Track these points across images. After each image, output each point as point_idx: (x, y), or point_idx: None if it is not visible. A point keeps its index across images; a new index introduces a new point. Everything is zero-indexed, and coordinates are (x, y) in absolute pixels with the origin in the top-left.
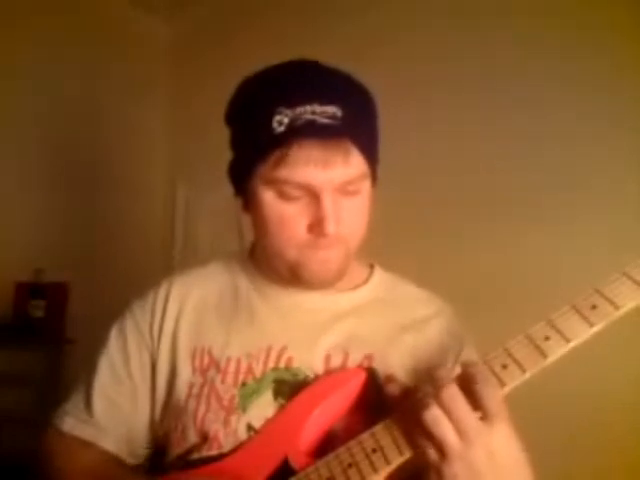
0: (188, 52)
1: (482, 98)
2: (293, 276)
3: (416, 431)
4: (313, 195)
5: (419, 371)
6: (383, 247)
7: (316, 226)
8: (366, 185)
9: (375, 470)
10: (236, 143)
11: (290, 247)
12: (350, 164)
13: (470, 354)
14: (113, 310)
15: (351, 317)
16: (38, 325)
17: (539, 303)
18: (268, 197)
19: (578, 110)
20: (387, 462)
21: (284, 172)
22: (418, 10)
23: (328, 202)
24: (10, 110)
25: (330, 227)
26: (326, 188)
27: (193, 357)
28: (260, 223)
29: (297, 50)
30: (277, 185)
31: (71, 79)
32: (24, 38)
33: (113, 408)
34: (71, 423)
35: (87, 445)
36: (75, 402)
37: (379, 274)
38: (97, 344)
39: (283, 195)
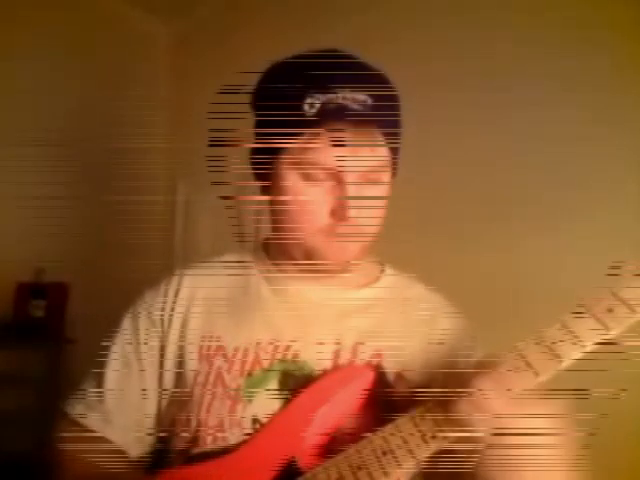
0: (188, 52)
1: (482, 97)
2: (306, 260)
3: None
4: (337, 180)
5: (428, 371)
6: (384, 246)
7: (338, 210)
8: (387, 176)
9: (386, 474)
10: (262, 125)
11: (309, 231)
12: (376, 152)
13: (477, 345)
14: (113, 310)
15: (361, 314)
16: (38, 325)
17: (539, 303)
18: (292, 179)
19: (579, 109)
20: (398, 465)
21: (313, 154)
22: (418, 8)
23: (352, 187)
24: (10, 110)
25: (352, 211)
26: (351, 173)
27: (201, 346)
28: (281, 206)
29: (297, 49)
30: (303, 167)
31: (71, 79)
32: (23, 38)
33: (123, 394)
34: (80, 410)
35: (92, 440)
36: (87, 388)
37: (390, 274)
38: (96, 344)
39: (307, 178)
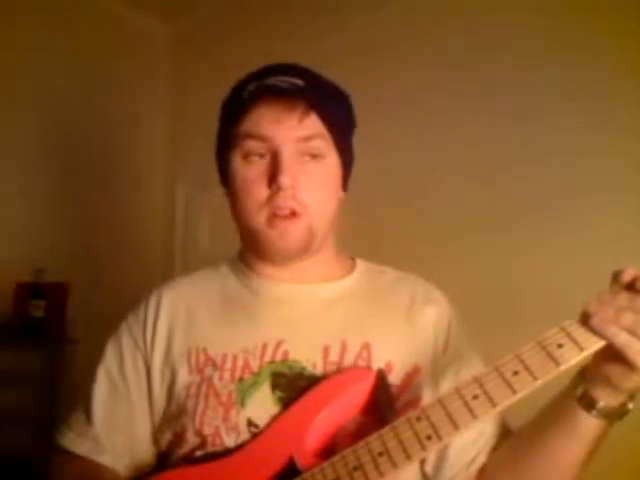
0: (188, 52)
1: (483, 103)
2: (258, 249)
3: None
4: (275, 154)
5: (414, 355)
6: (387, 252)
7: (273, 180)
8: (331, 156)
9: (381, 474)
10: (219, 129)
11: (255, 211)
12: (305, 123)
13: (460, 328)
14: (113, 310)
15: (343, 305)
16: (38, 325)
17: (539, 309)
18: (236, 162)
19: (578, 116)
20: (394, 466)
21: (245, 126)
22: (419, 15)
23: (285, 156)
24: (10, 110)
25: (284, 179)
26: (284, 142)
27: (189, 358)
28: (233, 196)
29: (297, 50)
30: (242, 143)
31: (71, 79)
32: (24, 39)
33: (112, 417)
34: (71, 438)
35: (84, 459)
36: (76, 416)
37: (362, 263)
38: (96, 344)
39: (247, 156)
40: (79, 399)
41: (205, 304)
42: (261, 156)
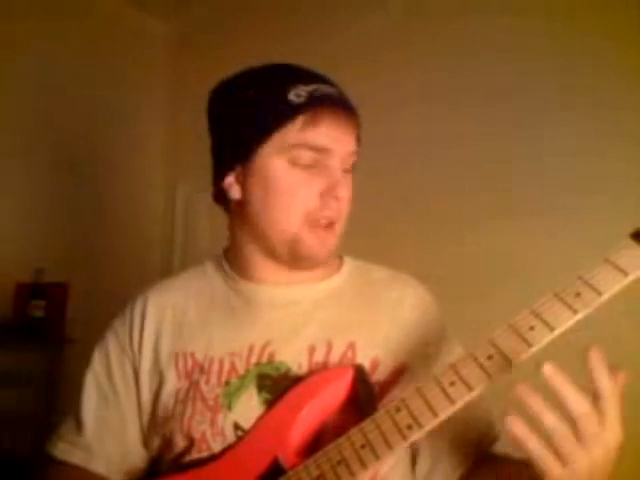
0: (188, 52)
1: (483, 109)
2: (290, 252)
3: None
4: (324, 166)
5: (401, 352)
6: (382, 238)
7: (328, 191)
8: (351, 172)
9: (364, 466)
10: (238, 122)
11: (297, 216)
12: (355, 137)
13: (447, 333)
14: (113, 310)
15: (330, 305)
16: (38, 325)
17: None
18: (279, 165)
19: (578, 120)
20: (376, 457)
21: (311, 133)
22: (418, 21)
23: (339, 169)
24: (11, 110)
25: (342, 191)
26: (340, 155)
27: (177, 363)
28: (261, 197)
29: (296, 50)
30: (295, 150)
31: (71, 79)
32: (23, 38)
33: (102, 424)
34: (62, 448)
35: (77, 469)
36: (67, 425)
37: (350, 261)
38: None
39: (296, 163)
40: (69, 407)
41: (192, 307)
42: (309, 164)
